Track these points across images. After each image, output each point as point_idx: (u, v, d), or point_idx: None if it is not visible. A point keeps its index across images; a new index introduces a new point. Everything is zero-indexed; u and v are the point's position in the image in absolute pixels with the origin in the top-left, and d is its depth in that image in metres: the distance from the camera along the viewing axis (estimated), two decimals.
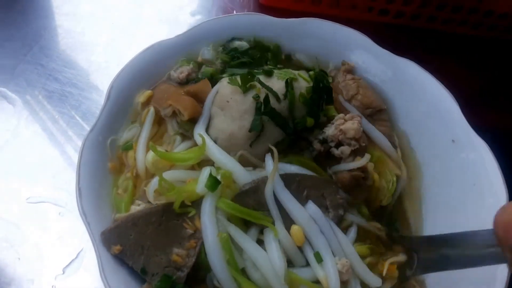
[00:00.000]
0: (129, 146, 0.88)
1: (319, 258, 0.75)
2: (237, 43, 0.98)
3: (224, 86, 0.87)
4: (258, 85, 0.86)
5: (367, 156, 0.84)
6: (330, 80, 0.96)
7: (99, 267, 0.70)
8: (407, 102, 0.95)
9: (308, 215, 0.77)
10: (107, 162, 0.85)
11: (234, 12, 1.29)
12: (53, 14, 1.25)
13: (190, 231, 0.76)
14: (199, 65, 0.97)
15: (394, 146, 0.93)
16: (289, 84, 0.86)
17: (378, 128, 0.92)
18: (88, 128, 1.03)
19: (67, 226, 0.92)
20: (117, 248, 0.74)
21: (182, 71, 0.92)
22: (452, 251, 0.72)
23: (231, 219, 0.77)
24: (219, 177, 0.75)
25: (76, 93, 1.10)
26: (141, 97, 0.91)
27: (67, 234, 0.91)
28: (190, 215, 0.77)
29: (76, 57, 1.17)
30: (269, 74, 0.88)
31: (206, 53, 0.98)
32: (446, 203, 0.88)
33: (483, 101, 1.18)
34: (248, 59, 0.98)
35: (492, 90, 1.22)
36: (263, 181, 0.77)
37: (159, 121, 0.92)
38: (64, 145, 1.03)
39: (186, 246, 0.75)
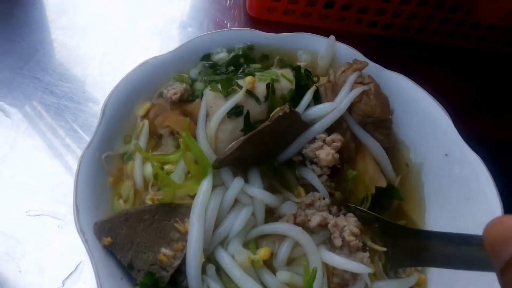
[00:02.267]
0: (129, 157, 0.90)
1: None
2: (216, 57, 1.01)
3: (208, 93, 0.92)
4: (238, 89, 0.89)
5: None
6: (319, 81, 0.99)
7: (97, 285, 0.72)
8: (400, 115, 0.98)
9: None
10: (104, 178, 0.87)
11: (226, 23, 1.31)
12: (49, 28, 1.26)
13: (179, 234, 0.79)
14: (192, 82, 0.99)
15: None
16: (270, 87, 0.90)
17: (377, 136, 0.93)
18: (86, 140, 1.07)
19: (66, 239, 0.94)
20: (107, 240, 0.77)
21: (176, 92, 0.94)
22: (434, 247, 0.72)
23: None
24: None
25: (72, 107, 1.12)
26: (141, 111, 0.94)
27: (66, 246, 0.93)
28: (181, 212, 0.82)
29: (72, 70, 1.18)
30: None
31: (192, 73, 1.00)
32: (441, 216, 0.91)
33: (474, 111, 1.22)
34: (230, 68, 1.00)
35: (482, 99, 1.26)
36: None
37: (158, 133, 0.94)
38: (61, 157, 1.05)
39: (174, 248, 0.78)
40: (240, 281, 0.77)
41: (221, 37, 1.00)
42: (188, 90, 0.97)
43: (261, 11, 1.29)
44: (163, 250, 0.78)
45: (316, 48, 1.01)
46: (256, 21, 1.31)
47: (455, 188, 0.88)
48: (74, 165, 1.03)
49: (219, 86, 0.90)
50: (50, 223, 0.96)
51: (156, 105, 0.95)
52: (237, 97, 0.88)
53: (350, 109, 0.92)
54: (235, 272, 0.78)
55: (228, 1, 1.36)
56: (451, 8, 1.20)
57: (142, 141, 0.91)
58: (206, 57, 1.01)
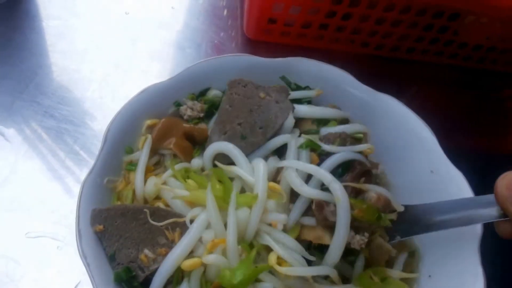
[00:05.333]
0: (131, 167, 0.93)
1: None
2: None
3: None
4: None
5: None
6: None
7: None
8: (391, 133, 1.01)
9: None
10: (106, 202, 0.88)
11: (223, 44, 1.34)
12: (48, 51, 1.28)
13: (165, 240, 0.82)
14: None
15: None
16: None
17: None
18: (86, 162, 1.09)
19: (65, 260, 0.95)
20: (99, 227, 0.81)
21: (191, 114, 0.98)
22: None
23: None
24: None
25: (72, 129, 1.13)
26: (144, 126, 0.96)
27: (65, 267, 0.94)
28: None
29: (71, 93, 1.20)
30: None
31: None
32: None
33: (461, 127, 1.26)
34: None
35: (470, 115, 1.30)
36: None
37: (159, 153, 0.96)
38: (61, 179, 1.07)
39: (157, 252, 0.80)
40: None
41: (220, 63, 1.02)
42: (201, 112, 0.99)
43: (258, 33, 1.31)
44: (146, 251, 0.80)
45: (311, 70, 1.04)
46: (253, 42, 1.33)
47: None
48: (74, 186, 1.05)
49: None
50: (49, 244, 0.97)
51: (162, 121, 0.96)
52: None
53: None
54: None
55: (226, 23, 1.39)
56: (439, 29, 1.23)
57: (144, 157, 0.92)
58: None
